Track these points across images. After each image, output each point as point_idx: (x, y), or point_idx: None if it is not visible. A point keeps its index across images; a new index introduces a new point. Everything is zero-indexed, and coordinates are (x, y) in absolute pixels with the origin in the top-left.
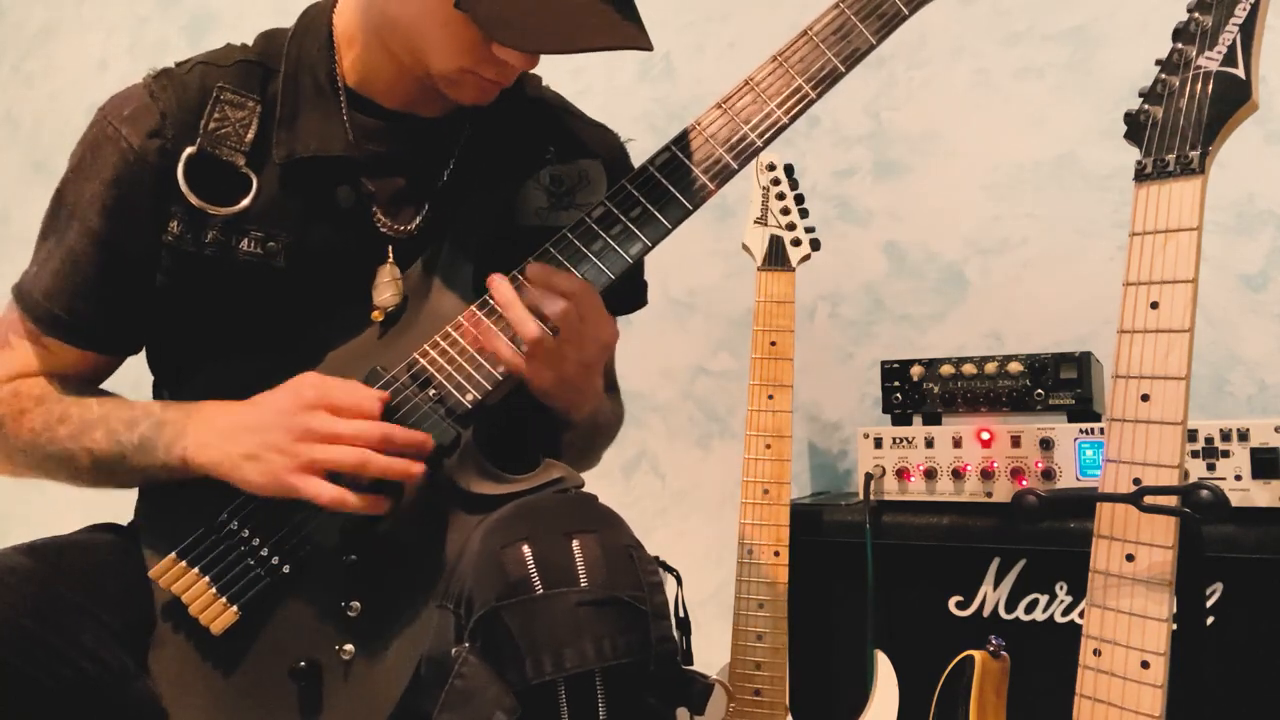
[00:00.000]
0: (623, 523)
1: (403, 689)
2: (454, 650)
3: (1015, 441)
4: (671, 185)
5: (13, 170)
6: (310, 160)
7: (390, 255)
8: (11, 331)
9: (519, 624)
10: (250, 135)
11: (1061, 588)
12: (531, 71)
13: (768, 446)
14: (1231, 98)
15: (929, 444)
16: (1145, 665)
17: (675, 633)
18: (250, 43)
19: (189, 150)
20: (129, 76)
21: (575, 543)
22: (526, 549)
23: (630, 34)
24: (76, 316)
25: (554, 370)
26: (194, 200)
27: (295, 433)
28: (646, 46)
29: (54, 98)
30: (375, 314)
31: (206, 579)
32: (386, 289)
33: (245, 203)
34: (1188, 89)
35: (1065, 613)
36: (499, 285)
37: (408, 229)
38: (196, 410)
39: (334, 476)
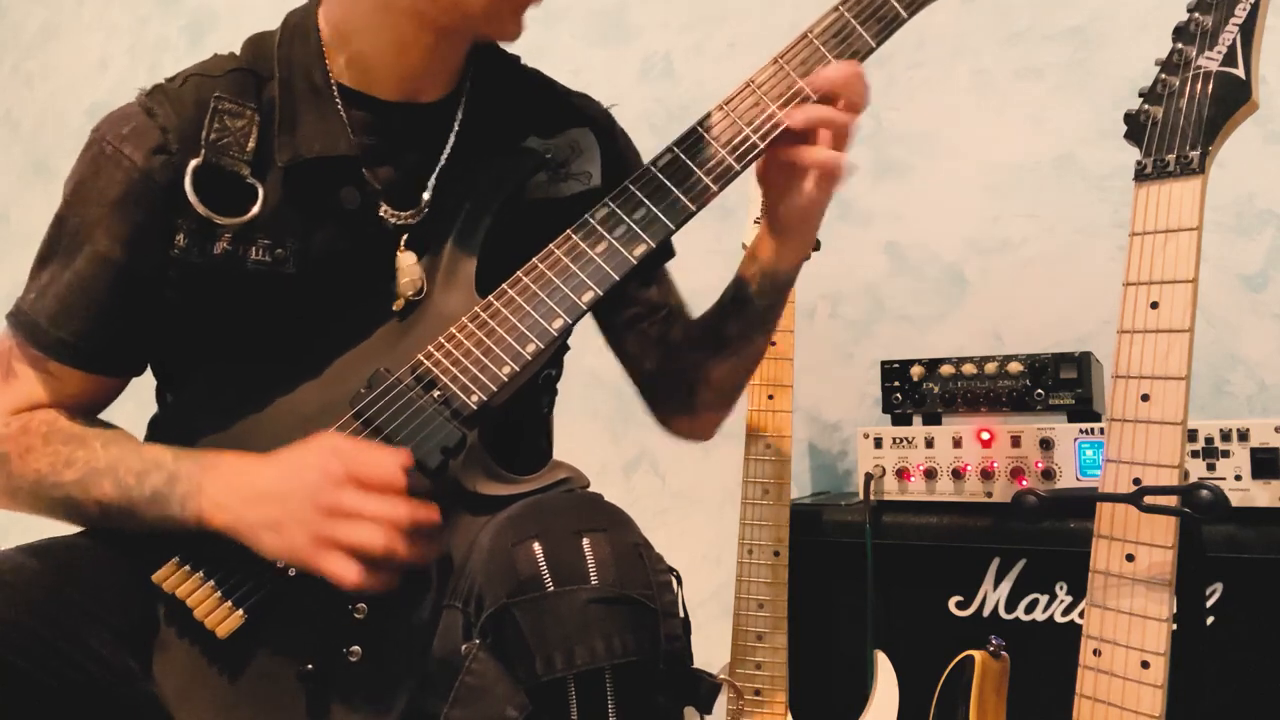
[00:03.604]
0: (631, 521)
1: (411, 690)
2: (464, 647)
3: (1015, 441)
4: (674, 187)
5: (13, 170)
6: (314, 162)
7: (402, 244)
8: (14, 360)
9: (529, 621)
10: (251, 144)
11: (1061, 588)
12: (525, 64)
13: (768, 446)
14: (1231, 98)
15: (929, 444)
16: (1145, 665)
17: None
18: (237, 50)
19: (194, 162)
20: (129, 76)
21: (586, 541)
22: (537, 546)
23: None
24: (85, 340)
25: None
26: (202, 211)
27: (321, 509)
28: None
29: (54, 98)
30: (397, 303)
31: (211, 583)
32: (406, 274)
33: (254, 211)
34: (1188, 89)
35: (1065, 613)
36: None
37: (413, 216)
38: (212, 466)
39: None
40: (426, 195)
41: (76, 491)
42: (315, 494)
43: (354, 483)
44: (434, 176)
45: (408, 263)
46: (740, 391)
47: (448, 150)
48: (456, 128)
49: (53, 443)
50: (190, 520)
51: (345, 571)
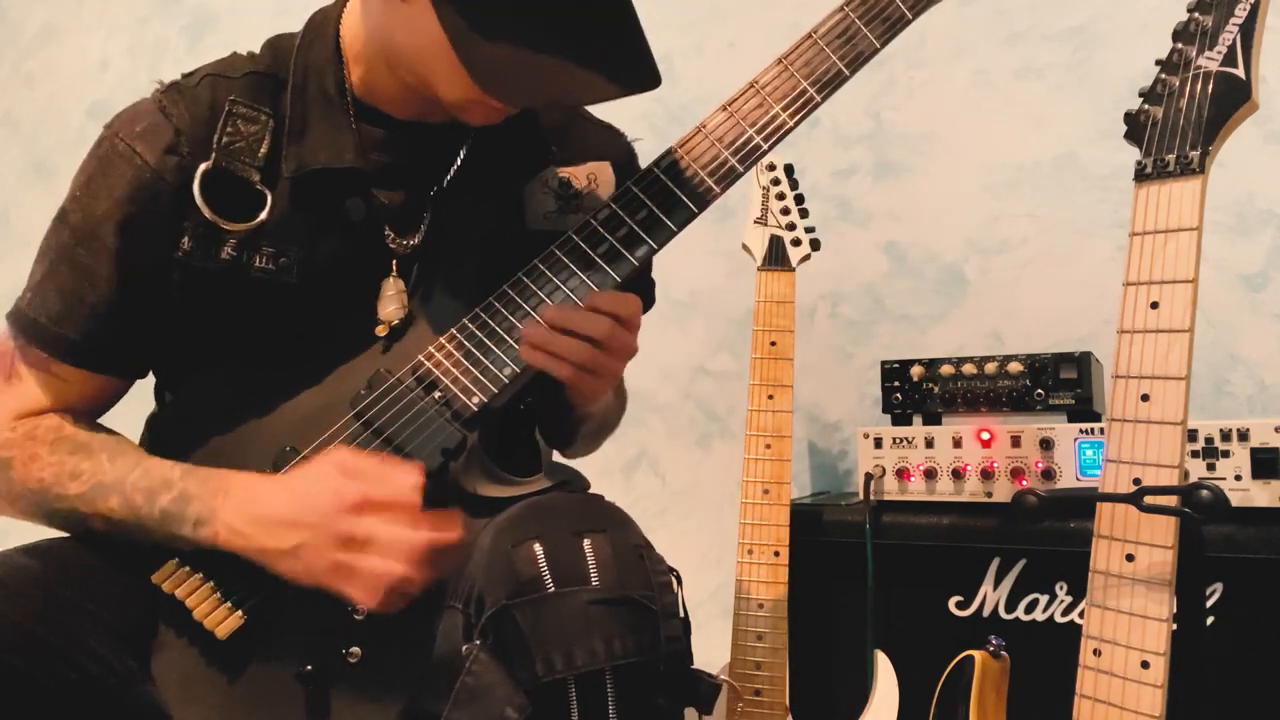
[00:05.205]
0: (632, 522)
1: (410, 691)
2: (464, 648)
3: (1015, 441)
4: (677, 188)
5: (13, 170)
6: (320, 172)
7: (395, 268)
8: (17, 361)
9: (530, 622)
10: (263, 150)
11: (1061, 588)
12: None
13: (768, 446)
14: (1231, 98)
15: (929, 444)
16: (1145, 665)
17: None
18: (257, 49)
19: (204, 166)
20: (129, 76)
21: (586, 542)
22: (538, 547)
23: (630, 79)
24: (91, 339)
25: (596, 379)
26: (209, 216)
27: (339, 538)
28: (646, 87)
29: (54, 98)
30: (379, 328)
31: (210, 584)
32: (391, 302)
33: (261, 218)
34: (1188, 89)
35: (1065, 613)
36: (551, 309)
37: (414, 238)
38: (224, 488)
39: None
40: (424, 224)
41: (81, 505)
42: (331, 521)
43: (368, 507)
44: (435, 198)
45: (392, 290)
46: (605, 435)
47: (451, 174)
48: (463, 153)
49: (58, 452)
50: (203, 542)
51: (365, 598)
